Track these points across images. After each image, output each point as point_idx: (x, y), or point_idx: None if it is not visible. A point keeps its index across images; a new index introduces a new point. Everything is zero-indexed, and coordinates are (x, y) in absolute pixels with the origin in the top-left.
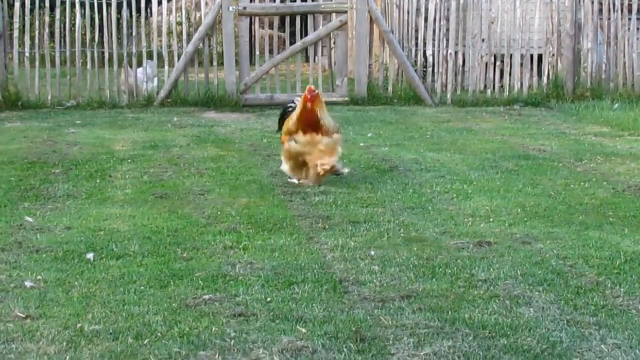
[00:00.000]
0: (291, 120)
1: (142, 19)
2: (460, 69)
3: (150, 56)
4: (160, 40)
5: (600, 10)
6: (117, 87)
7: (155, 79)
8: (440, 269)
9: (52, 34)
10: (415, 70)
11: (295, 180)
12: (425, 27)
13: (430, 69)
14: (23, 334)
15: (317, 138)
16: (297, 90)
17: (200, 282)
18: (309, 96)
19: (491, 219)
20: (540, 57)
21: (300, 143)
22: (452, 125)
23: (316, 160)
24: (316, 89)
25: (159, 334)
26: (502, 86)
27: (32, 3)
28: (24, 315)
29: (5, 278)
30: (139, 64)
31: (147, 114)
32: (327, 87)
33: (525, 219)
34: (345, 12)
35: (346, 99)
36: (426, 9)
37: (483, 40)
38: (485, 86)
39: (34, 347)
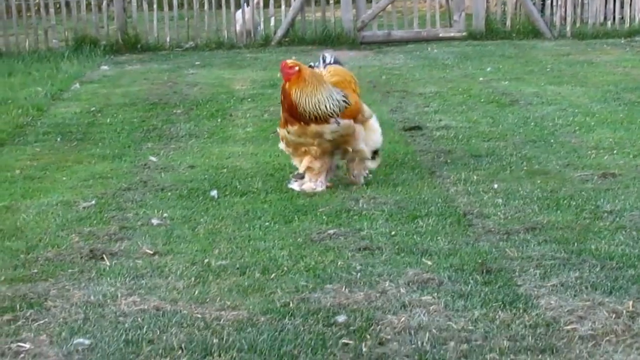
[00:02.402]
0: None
1: None
2: (580, 1)
3: None
4: None
5: None
6: (235, 28)
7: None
8: (565, 201)
9: None
10: (534, 4)
11: (295, 185)
12: None
13: (548, 2)
14: (152, 270)
15: (310, 128)
16: (414, 27)
17: (324, 217)
18: (283, 72)
19: (615, 151)
20: None
21: (293, 134)
22: (572, 58)
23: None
24: (295, 65)
25: (285, 268)
26: (622, 18)
27: None
28: (152, 252)
29: (132, 216)
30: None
31: (264, 54)
32: (444, 22)
33: None
34: None
35: (464, 34)
36: None
37: None
38: (605, 18)
39: (163, 283)
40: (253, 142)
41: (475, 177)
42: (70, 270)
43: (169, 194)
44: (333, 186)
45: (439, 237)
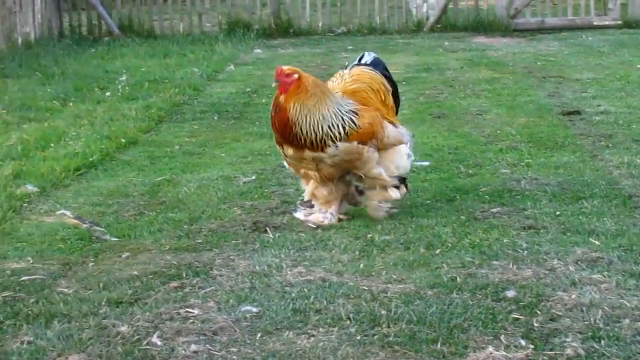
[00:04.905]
0: None
1: None
2: None
3: None
4: None
5: None
6: (387, 14)
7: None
8: None
9: None
10: None
11: (300, 215)
12: None
13: None
14: (316, 243)
15: (305, 154)
16: (568, 15)
17: (486, 196)
18: (276, 82)
19: None
20: None
21: (289, 157)
22: None
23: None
24: (294, 72)
25: (449, 244)
26: None
27: None
28: (315, 226)
29: (292, 191)
30: None
31: (417, 39)
32: (599, 10)
33: None
34: None
35: (619, 22)
36: None
37: None
38: None
39: (327, 255)
40: (409, 123)
41: (639, 161)
42: (234, 241)
43: None
44: (349, 219)
45: (605, 218)
